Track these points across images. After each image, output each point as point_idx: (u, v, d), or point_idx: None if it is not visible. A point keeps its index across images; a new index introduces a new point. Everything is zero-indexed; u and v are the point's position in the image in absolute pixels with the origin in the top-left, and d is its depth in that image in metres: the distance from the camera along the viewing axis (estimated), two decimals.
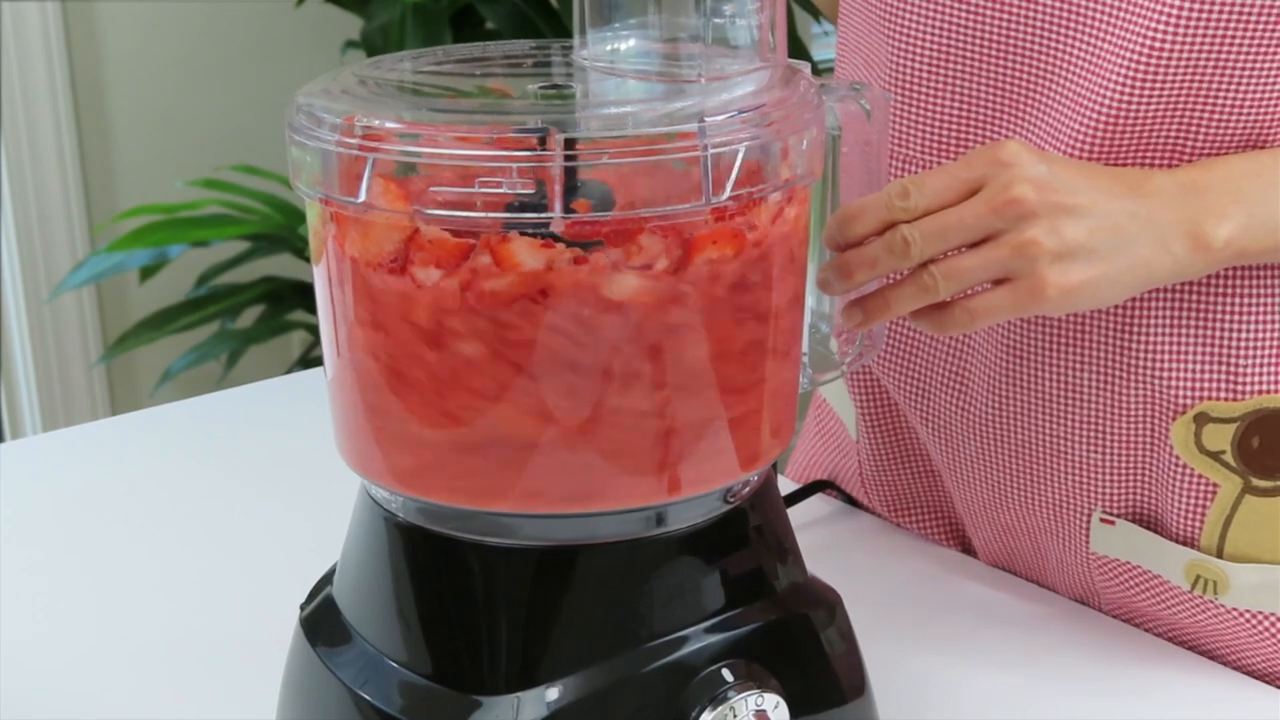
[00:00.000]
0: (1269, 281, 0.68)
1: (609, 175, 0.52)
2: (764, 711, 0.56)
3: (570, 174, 0.51)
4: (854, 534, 0.86)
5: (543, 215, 0.51)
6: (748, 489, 0.58)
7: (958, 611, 0.78)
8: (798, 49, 2.02)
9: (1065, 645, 0.75)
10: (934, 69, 0.72)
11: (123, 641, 0.77)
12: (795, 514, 0.66)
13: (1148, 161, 0.67)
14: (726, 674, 0.56)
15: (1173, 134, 0.67)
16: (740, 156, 0.52)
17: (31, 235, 2.25)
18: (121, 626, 0.78)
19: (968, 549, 0.85)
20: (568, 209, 0.51)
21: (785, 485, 0.89)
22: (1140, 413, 0.71)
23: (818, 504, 0.89)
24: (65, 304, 2.28)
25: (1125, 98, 0.66)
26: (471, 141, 0.51)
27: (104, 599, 0.81)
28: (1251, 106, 0.65)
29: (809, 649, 0.59)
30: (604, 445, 0.53)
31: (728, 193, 0.52)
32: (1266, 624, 0.71)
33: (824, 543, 0.85)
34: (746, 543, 0.59)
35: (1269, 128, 0.66)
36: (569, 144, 0.50)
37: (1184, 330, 0.69)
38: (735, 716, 0.56)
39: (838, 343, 0.66)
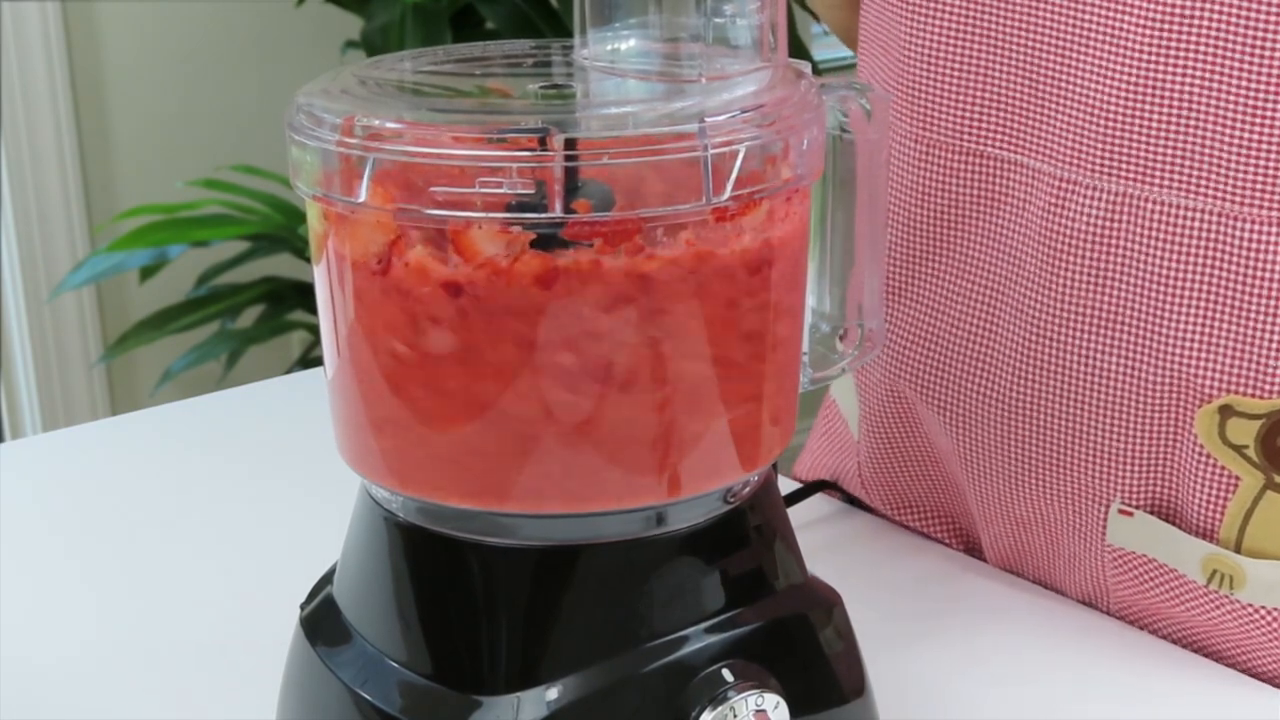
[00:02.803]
0: None
1: (609, 175, 0.52)
2: (764, 711, 0.56)
3: (570, 174, 0.51)
4: (855, 534, 0.86)
5: (542, 215, 0.51)
6: (748, 489, 0.58)
7: (960, 612, 0.79)
8: (798, 49, 2.02)
9: (1071, 647, 0.75)
10: (955, 47, 0.72)
11: (122, 641, 0.77)
12: (796, 514, 0.66)
13: (1182, 131, 0.66)
14: (726, 674, 0.56)
15: (1204, 99, 0.66)
16: (740, 156, 0.52)
17: (31, 235, 2.25)
18: (121, 626, 0.78)
19: (970, 549, 0.85)
20: (568, 209, 0.51)
21: (786, 485, 0.89)
22: (1165, 399, 0.70)
23: (818, 504, 0.89)
24: (65, 304, 2.28)
25: (1152, 66, 0.66)
26: (471, 142, 0.51)
27: (103, 599, 0.81)
28: None
29: (809, 649, 0.59)
30: (604, 445, 0.53)
31: (728, 193, 0.52)
32: None
33: (825, 543, 0.85)
34: (747, 543, 0.59)
35: None
36: (569, 144, 0.50)
37: (1216, 322, 0.68)
38: (735, 716, 0.56)
39: (838, 342, 0.66)
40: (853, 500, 0.89)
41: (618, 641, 0.56)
